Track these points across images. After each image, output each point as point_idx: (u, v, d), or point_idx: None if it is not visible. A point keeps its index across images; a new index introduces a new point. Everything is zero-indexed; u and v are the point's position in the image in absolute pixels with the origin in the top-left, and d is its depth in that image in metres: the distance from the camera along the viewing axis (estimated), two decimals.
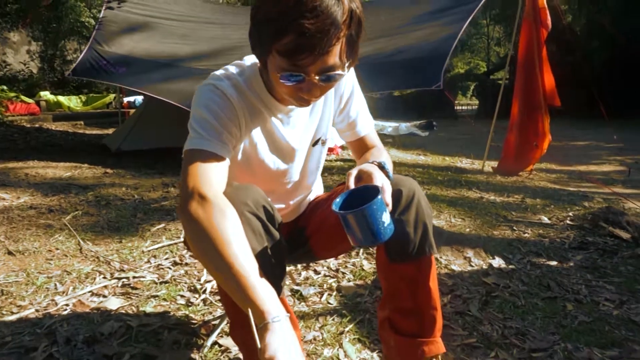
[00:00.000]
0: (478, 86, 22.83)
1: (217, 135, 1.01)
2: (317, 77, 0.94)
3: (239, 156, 1.14)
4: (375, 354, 1.51)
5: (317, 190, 1.43)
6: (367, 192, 0.98)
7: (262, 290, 0.85)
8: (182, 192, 0.95)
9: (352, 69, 1.21)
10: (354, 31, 0.93)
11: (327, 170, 4.84)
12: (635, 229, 2.87)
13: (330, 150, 6.12)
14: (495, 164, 5.73)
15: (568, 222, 3.15)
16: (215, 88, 1.05)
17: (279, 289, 1.03)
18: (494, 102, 5.77)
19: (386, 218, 0.95)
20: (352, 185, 1.02)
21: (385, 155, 1.23)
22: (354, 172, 1.04)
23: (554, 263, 2.39)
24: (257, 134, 1.14)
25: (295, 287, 1.96)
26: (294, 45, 0.88)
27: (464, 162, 6.71)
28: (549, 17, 5.20)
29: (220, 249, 0.86)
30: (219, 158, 1.00)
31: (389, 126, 12.92)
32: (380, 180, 1.00)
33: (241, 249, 0.87)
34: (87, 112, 12.46)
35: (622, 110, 14.11)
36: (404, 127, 12.82)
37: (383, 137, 10.70)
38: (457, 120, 20.89)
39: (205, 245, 0.89)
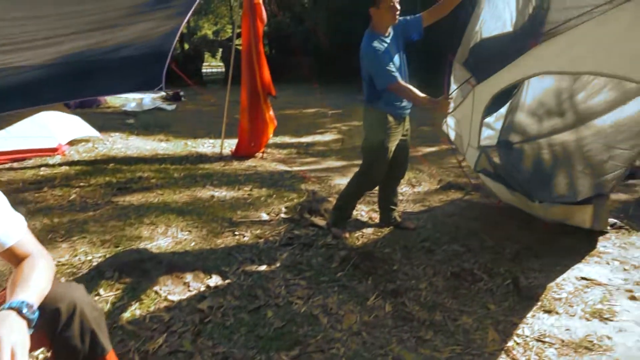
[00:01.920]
0: (223, 51, 23.23)
1: None
2: None
3: None
4: None
5: None
6: None
7: None
8: None
9: None
10: None
11: (49, 182, 4.35)
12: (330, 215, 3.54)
13: (54, 150, 5.43)
14: (235, 141, 6.07)
15: (283, 215, 3.65)
16: None
17: None
18: (239, 69, 5.82)
19: None
20: None
21: (37, 272, 1.18)
22: None
23: (264, 268, 2.78)
24: None
25: None
26: None
27: (206, 145, 6.89)
28: (264, 12, 5.65)
29: None
30: None
31: (133, 99, 12.14)
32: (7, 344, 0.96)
33: None
34: None
35: (348, 75, 16.40)
36: (148, 100, 12.17)
37: (124, 116, 10.05)
38: (205, 86, 21.04)
39: None
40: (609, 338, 2.13)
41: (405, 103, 3.08)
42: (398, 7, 2.88)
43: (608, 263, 2.95)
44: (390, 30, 2.97)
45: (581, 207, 3.05)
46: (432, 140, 7.42)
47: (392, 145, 3.10)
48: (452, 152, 6.67)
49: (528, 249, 3.20)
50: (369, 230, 3.42)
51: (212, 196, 4.10)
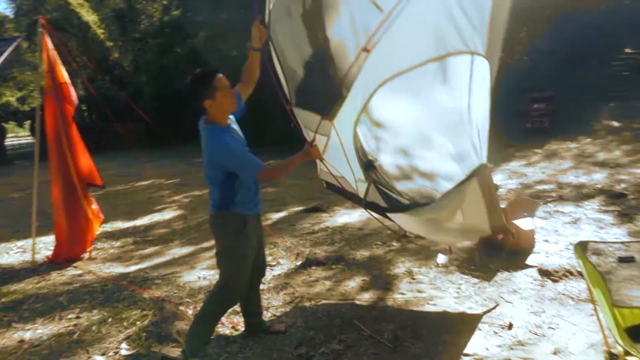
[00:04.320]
0: (32, 123, 20.32)
1: None
2: None
3: None
4: None
5: None
6: None
7: None
8: None
9: None
10: None
11: None
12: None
13: None
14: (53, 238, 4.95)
15: (124, 351, 2.88)
16: None
17: None
18: None
19: None
20: None
21: None
22: None
23: None
24: None
25: None
26: None
27: (13, 252, 5.55)
28: (73, 92, 4.85)
29: None
30: None
31: None
32: None
33: None
34: None
35: (179, 139, 15.52)
36: None
37: None
38: (11, 165, 17.92)
39: None
40: None
41: (258, 197, 2.72)
42: (233, 91, 2.56)
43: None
44: (229, 117, 2.63)
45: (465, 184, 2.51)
46: (280, 204, 7.24)
47: (254, 251, 2.69)
48: (306, 212, 6.60)
49: (403, 328, 3.06)
50: (235, 347, 2.90)
51: (22, 341, 3.09)
